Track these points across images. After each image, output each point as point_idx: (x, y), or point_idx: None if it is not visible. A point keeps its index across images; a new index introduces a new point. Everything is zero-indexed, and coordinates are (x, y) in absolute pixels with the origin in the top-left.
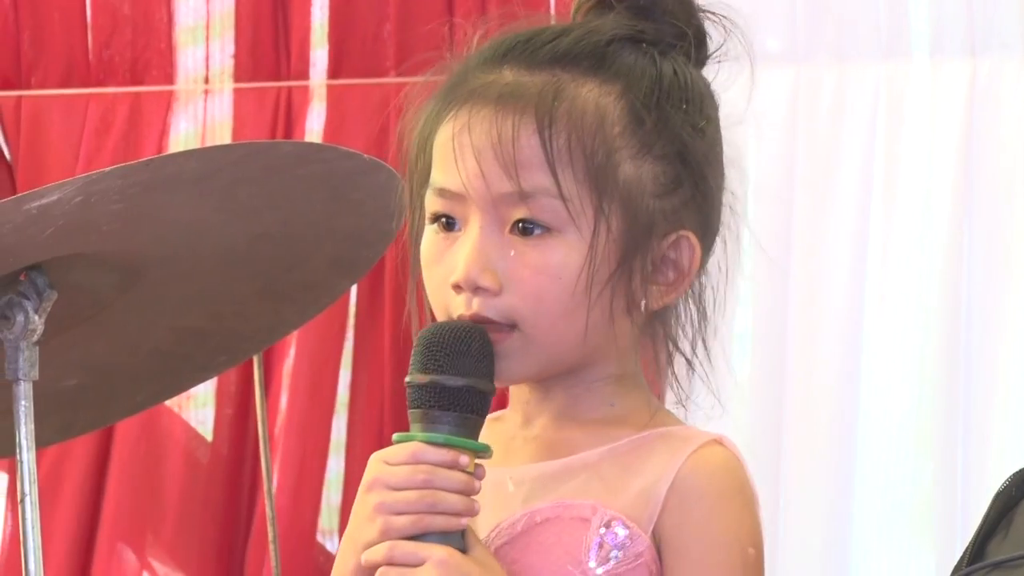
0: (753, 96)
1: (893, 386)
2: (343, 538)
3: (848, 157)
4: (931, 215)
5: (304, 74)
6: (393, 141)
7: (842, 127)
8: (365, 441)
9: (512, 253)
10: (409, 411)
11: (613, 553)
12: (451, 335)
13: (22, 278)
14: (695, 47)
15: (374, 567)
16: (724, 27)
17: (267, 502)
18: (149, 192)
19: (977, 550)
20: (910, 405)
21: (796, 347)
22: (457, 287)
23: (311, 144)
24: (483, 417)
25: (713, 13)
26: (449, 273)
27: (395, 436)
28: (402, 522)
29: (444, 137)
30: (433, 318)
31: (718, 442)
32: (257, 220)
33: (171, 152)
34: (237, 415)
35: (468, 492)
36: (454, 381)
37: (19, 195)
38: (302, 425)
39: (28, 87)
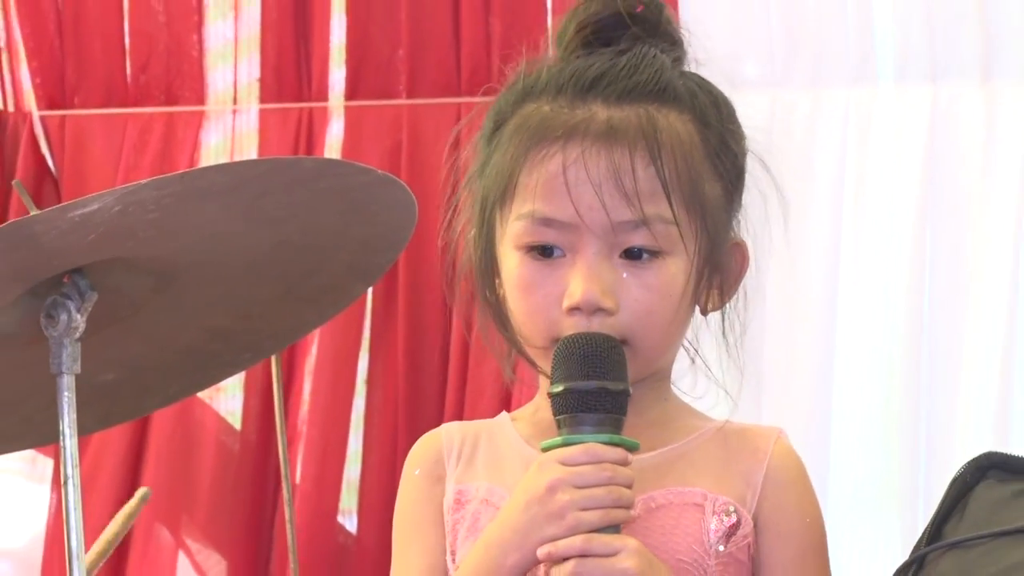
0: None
1: (863, 383)
2: (487, 539)
3: (821, 174)
4: (896, 226)
5: (324, 95)
6: (406, 152)
7: (815, 147)
8: (382, 427)
9: (625, 276)
10: (561, 416)
11: (729, 535)
12: (606, 346)
13: (66, 280)
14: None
15: (554, 560)
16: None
17: (284, 486)
18: (181, 203)
19: (935, 531)
20: (878, 401)
21: (774, 347)
22: (575, 309)
23: (330, 160)
24: (624, 417)
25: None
26: (556, 296)
27: (548, 442)
28: (593, 516)
29: (549, 171)
30: (510, 340)
31: (784, 434)
32: (280, 229)
33: (202, 166)
34: (263, 406)
35: (632, 486)
36: (617, 385)
37: (64, 204)
38: (324, 415)
39: (72, 107)
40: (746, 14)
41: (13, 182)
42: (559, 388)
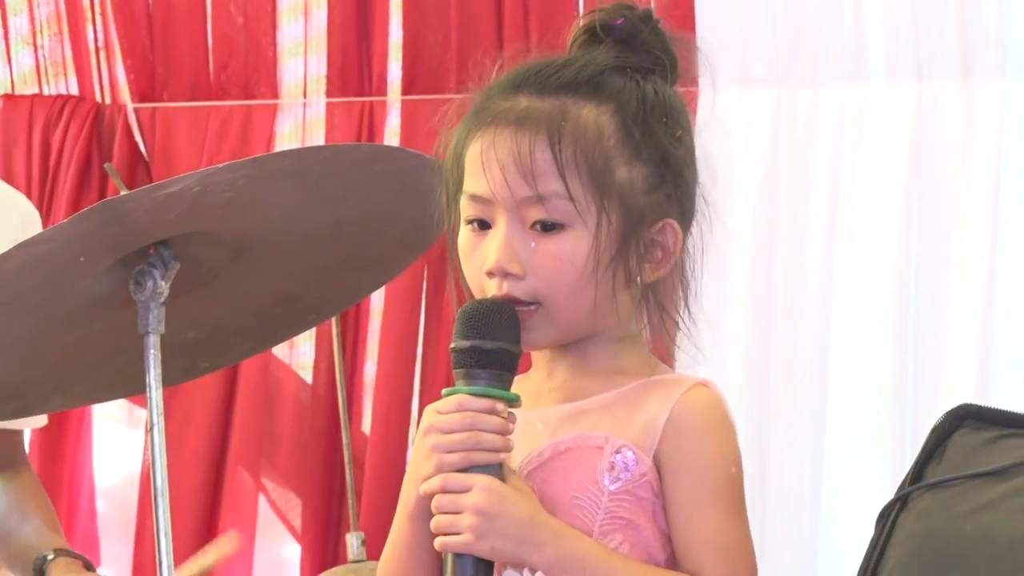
0: (743, 112)
1: (857, 348)
2: (405, 476)
3: (820, 165)
4: (886, 210)
5: (383, 90)
6: None
7: (814, 139)
8: (435, 383)
9: (533, 245)
10: (454, 370)
11: (623, 474)
12: (486, 309)
13: (152, 251)
14: (670, 70)
15: (430, 496)
16: (689, 51)
17: (343, 432)
18: (254, 183)
19: (917, 474)
20: (871, 363)
21: (780, 317)
22: (490, 273)
23: (384, 146)
24: (513, 373)
25: (681, 39)
26: (483, 263)
27: (444, 391)
28: (452, 458)
29: (474, 153)
30: (471, 297)
31: (703, 384)
32: (339, 206)
33: (271, 152)
34: (332, 362)
35: (504, 432)
36: (490, 344)
37: (151, 185)
38: (390, 370)
39: (161, 100)
40: (754, 19)
41: (105, 165)
42: (452, 346)
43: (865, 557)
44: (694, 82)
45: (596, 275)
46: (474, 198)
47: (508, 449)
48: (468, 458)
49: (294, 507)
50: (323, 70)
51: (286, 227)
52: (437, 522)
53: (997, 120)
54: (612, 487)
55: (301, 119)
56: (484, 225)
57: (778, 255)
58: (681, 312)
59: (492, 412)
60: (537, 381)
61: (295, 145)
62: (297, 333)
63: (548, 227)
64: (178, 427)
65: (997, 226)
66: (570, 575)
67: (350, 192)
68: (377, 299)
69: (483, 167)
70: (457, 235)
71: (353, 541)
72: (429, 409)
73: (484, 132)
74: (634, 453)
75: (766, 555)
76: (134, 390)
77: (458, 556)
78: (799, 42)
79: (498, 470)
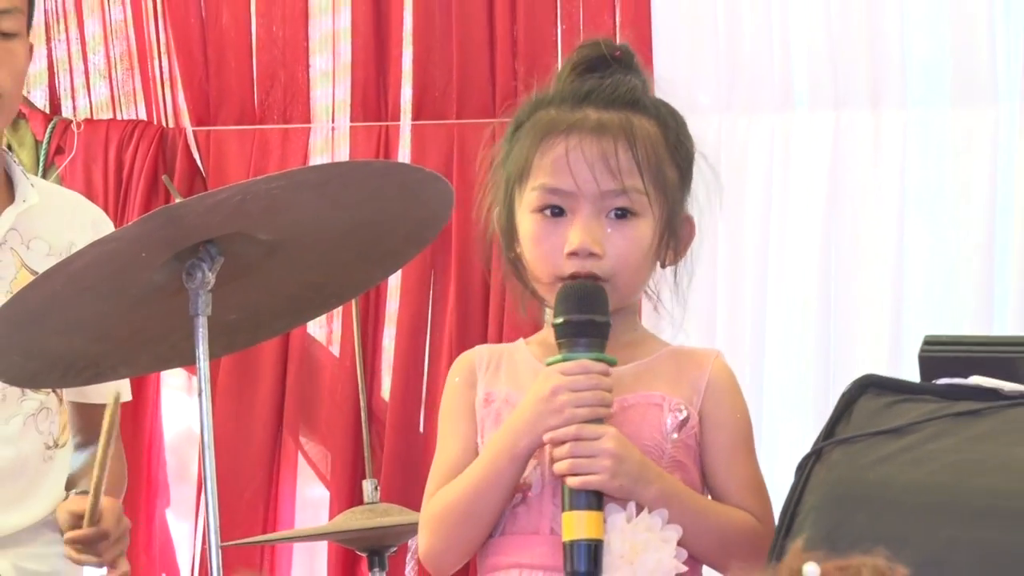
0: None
1: (787, 330)
2: (508, 428)
3: (754, 181)
4: (810, 218)
5: (396, 116)
6: (456, 159)
7: (749, 160)
8: (439, 355)
9: (609, 231)
10: (562, 339)
11: (681, 426)
12: (593, 290)
13: (201, 248)
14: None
15: (557, 443)
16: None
17: (361, 398)
18: (285, 193)
19: (829, 431)
20: (798, 342)
21: (726, 299)
22: (573, 254)
23: (393, 162)
24: (606, 341)
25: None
26: (560, 245)
27: (549, 360)
28: (583, 412)
29: (556, 153)
30: (495, 275)
31: (721, 354)
32: (357, 211)
33: (300, 167)
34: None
35: (611, 391)
36: (600, 318)
37: (201, 194)
38: (405, 348)
39: (215, 124)
40: (700, 56)
41: (163, 177)
42: (560, 320)
43: (786, 500)
44: None
45: (652, 257)
46: (554, 191)
47: (613, 405)
48: (595, 412)
49: (324, 459)
50: (347, 97)
51: (312, 228)
52: (574, 464)
53: (900, 143)
54: (674, 436)
55: (330, 140)
56: (556, 213)
57: (721, 255)
58: (686, 290)
59: (607, 374)
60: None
61: (324, 161)
62: (321, 315)
63: (622, 215)
64: (246, 394)
65: (902, 232)
66: (669, 506)
67: (365, 199)
68: (394, 284)
69: (569, 165)
70: (512, 229)
71: (368, 486)
72: (553, 371)
73: (563, 137)
74: (687, 410)
75: None
76: (186, 361)
77: (576, 492)
78: (737, 76)
79: (602, 423)
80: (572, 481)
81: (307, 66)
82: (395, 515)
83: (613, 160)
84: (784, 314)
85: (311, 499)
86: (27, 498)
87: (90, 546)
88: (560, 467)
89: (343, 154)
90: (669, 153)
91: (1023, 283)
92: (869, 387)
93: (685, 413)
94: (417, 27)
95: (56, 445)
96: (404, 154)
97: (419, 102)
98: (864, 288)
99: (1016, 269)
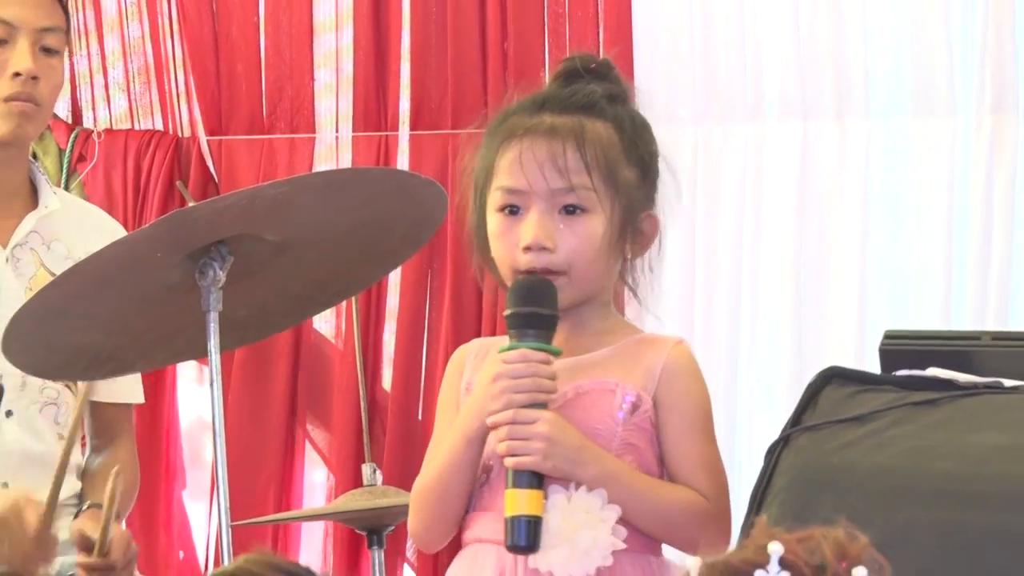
0: (670, 146)
1: (760, 327)
2: (463, 413)
3: (729, 187)
4: (780, 224)
5: (395, 126)
6: (451, 166)
7: (724, 168)
8: (437, 347)
9: (561, 226)
10: (510, 331)
11: (631, 411)
12: (537, 283)
13: (212, 249)
14: (629, 99)
15: (496, 426)
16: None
17: (360, 388)
18: (290, 197)
19: (796, 419)
20: (772, 337)
21: (700, 304)
22: (527, 248)
23: (389, 168)
24: (553, 332)
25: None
26: (516, 241)
27: (501, 348)
28: (520, 397)
29: (511, 156)
30: (486, 271)
31: (682, 342)
32: (357, 214)
33: (303, 173)
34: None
35: (554, 378)
36: (545, 311)
37: (212, 199)
38: (405, 343)
39: (227, 134)
40: (678, 69)
41: (177, 183)
42: (509, 312)
43: (756, 483)
44: None
45: (606, 251)
46: (510, 191)
47: (556, 391)
48: (532, 397)
49: (327, 444)
50: (349, 108)
51: (316, 229)
52: (510, 445)
53: (864, 151)
54: (624, 420)
55: (334, 148)
56: (516, 211)
57: (698, 256)
58: (650, 286)
59: (547, 363)
60: None
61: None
62: (325, 310)
63: (572, 211)
64: (260, 386)
65: (866, 234)
66: (608, 487)
67: (364, 202)
68: (394, 282)
69: (521, 166)
70: (482, 225)
71: (367, 470)
72: (496, 360)
73: (518, 141)
74: (639, 395)
75: None
76: (200, 355)
77: (519, 471)
78: (712, 89)
79: (545, 407)
80: (508, 462)
81: (312, 80)
82: (391, 496)
83: (561, 160)
84: (758, 311)
85: (318, 483)
86: (43, 486)
87: (99, 573)
88: (500, 448)
89: (346, 161)
90: (624, 154)
91: (978, 282)
92: (833, 378)
93: (635, 397)
94: (414, 44)
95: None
96: (403, 161)
97: (416, 113)
98: (831, 287)
99: (971, 269)
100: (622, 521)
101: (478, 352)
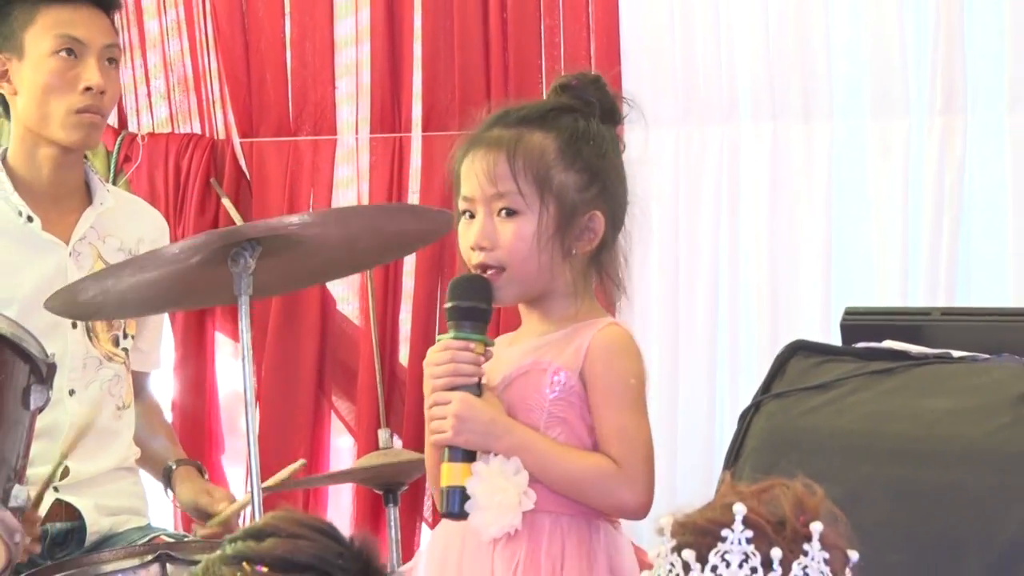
0: (655, 146)
1: (735, 311)
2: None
3: (708, 184)
4: (753, 217)
5: (408, 128)
6: None
7: (704, 165)
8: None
9: (498, 227)
10: (450, 322)
11: (557, 387)
12: (466, 280)
13: (244, 242)
14: (602, 110)
15: (428, 408)
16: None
17: (375, 360)
18: (316, 226)
19: (765, 387)
20: (745, 320)
21: (684, 291)
22: (473, 248)
23: (401, 204)
24: (486, 323)
25: (617, 94)
26: (469, 241)
27: (438, 337)
28: (440, 383)
29: (465, 167)
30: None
31: (614, 324)
32: (372, 234)
33: (335, 208)
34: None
35: (476, 363)
36: (466, 304)
37: (249, 223)
38: (422, 320)
39: (257, 136)
40: (662, 75)
41: (211, 180)
42: (448, 305)
43: (730, 445)
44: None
45: (539, 247)
46: (464, 198)
47: (479, 375)
48: (450, 382)
49: (350, 411)
50: (367, 113)
51: (336, 242)
52: (429, 426)
53: (828, 149)
54: (551, 396)
55: (354, 149)
56: (471, 216)
57: (681, 244)
58: (622, 278)
59: (467, 350)
60: (523, 329)
61: (350, 171)
62: (341, 277)
63: (509, 214)
64: (291, 363)
65: (830, 223)
66: (521, 456)
67: (384, 224)
68: (409, 268)
69: (471, 175)
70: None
71: (383, 435)
72: (429, 352)
73: (470, 152)
74: (566, 373)
75: (679, 447)
76: (225, 300)
77: (449, 447)
78: (692, 94)
79: (475, 389)
80: (431, 439)
81: (333, 88)
82: (403, 456)
83: (492, 169)
84: (735, 292)
85: (344, 448)
86: (103, 450)
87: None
88: (428, 427)
89: (364, 160)
90: (562, 161)
91: (929, 265)
92: (799, 350)
93: (562, 376)
94: (425, 55)
95: (124, 406)
96: (416, 160)
97: (427, 116)
98: (799, 270)
99: (923, 253)
100: (537, 485)
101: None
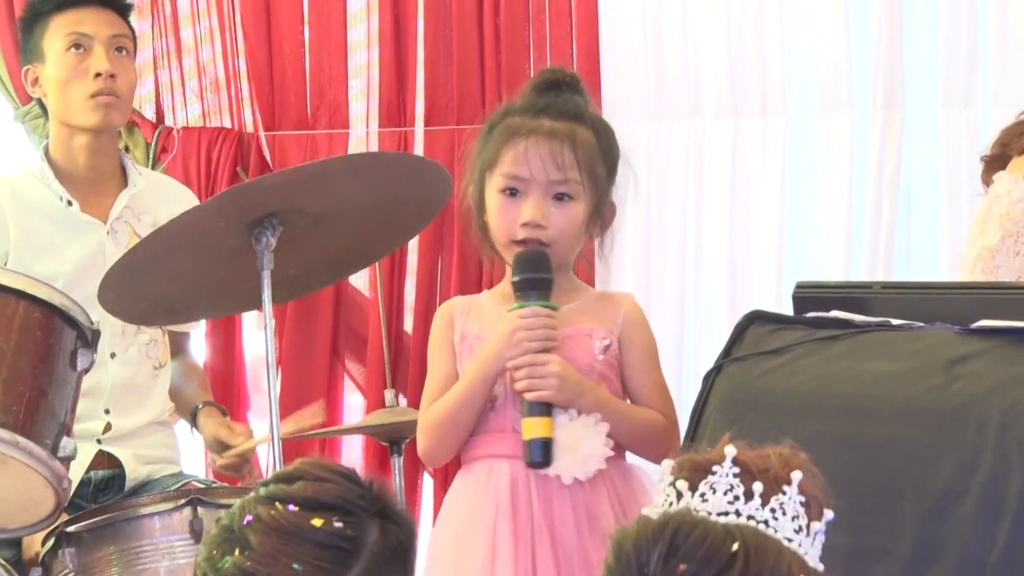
0: (628, 140)
1: (700, 290)
2: (480, 357)
3: (675, 175)
4: (716, 206)
5: (412, 123)
6: (456, 155)
7: (670, 157)
8: (448, 297)
9: (553, 209)
10: (518, 292)
11: (605, 350)
12: (539, 254)
13: (265, 220)
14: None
15: (517, 368)
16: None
17: (382, 328)
18: (326, 177)
19: (726, 352)
20: (711, 300)
21: (655, 271)
22: (526, 224)
23: (402, 153)
24: (550, 293)
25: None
26: (516, 216)
27: (510, 308)
28: (535, 345)
29: (517, 150)
30: (482, 240)
31: (632, 296)
32: (376, 191)
33: (336, 156)
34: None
35: (555, 328)
36: (546, 275)
37: (261, 176)
38: (424, 292)
39: (279, 130)
40: (635, 72)
41: (237, 169)
42: (517, 278)
43: (695, 403)
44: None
45: (582, 231)
46: (514, 177)
47: (557, 339)
48: (543, 344)
49: (361, 373)
50: (376, 109)
51: (346, 204)
52: (529, 383)
53: (781, 142)
54: (601, 357)
55: (363, 141)
56: (515, 193)
57: (652, 226)
58: (607, 255)
59: (552, 317)
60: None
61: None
62: (357, 271)
63: (562, 198)
64: (308, 330)
65: (783, 208)
66: (601, 410)
67: (383, 182)
68: (413, 247)
69: (527, 159)
70: (481, 202)
71: (388, 394)
72: (511, 316)
73: (524, 138)
74: (609, 338)
75: None
76: (255, 305)
77: (531, 404)
78: (662, 91)
79: (551, 352)
80: (529, 396)
81: (347, 87)
82: (406, 414)
83: (559, 157)
84: (700, 269)
85: (355, 405)
86: (140, 406)
87: (234, 467)
88: (520, 386)
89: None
90: (600, 155)
91: (871, 244)
92: (756, 319)
93: (608, 340)
94: (427, 58)
95: (160, 366)
96: (418, 151)
97: (429, 112)
98: (756, 249)
99: (866, 234)
100: (608, 435)
101: (463, 308)
